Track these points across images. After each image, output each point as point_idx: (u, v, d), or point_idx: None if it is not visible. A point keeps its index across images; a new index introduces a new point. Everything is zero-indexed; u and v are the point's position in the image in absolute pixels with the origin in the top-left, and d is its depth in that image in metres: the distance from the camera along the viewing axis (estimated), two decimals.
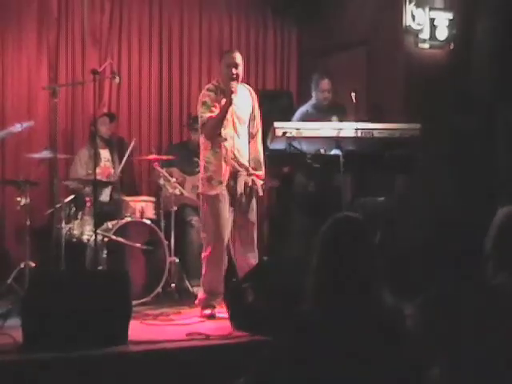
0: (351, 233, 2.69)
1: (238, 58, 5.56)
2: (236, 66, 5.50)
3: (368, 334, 2.56)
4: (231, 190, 5.50)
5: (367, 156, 6.14)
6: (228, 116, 5.46)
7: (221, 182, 5.44)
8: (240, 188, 5.53)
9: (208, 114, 5.44)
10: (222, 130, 5.45)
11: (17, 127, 5.94)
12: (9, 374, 3.93)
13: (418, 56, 7.08)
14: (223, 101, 5.45)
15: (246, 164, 5.59)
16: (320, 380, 2.53)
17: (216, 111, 5.43)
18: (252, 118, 5.70)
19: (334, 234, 2.70)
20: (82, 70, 7.42)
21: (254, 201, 5.66)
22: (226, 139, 5.47)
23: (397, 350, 2.59)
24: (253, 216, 5.64)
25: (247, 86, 5.85)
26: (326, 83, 6.78)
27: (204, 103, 5.49)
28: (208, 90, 5.57)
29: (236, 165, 5.52)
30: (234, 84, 5.41)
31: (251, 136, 5.68)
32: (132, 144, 6.82)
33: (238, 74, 5.50)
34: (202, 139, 5.60)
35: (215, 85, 5.58)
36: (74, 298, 4.33)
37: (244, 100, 5.64)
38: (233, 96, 5.36)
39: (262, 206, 7.65)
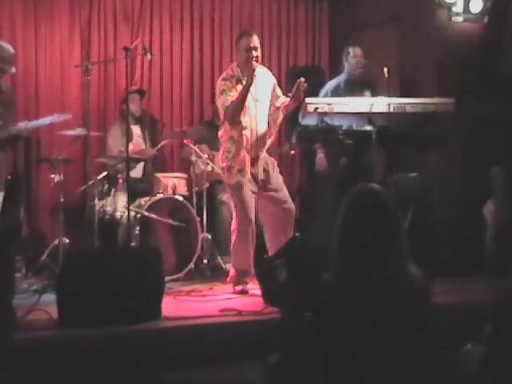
0: (372, 204, 2.71)
1: (256, 40, 5.47)
2: (255, 48, 5.43)
3: (390, 305, 2.57)
4: (254, 175, 5.49)
5: (400, 132, 6.09)
6: (247, 102, 5.42)
7: (241, 170, 5.42)
8: (260, 173, 5.52)
9: (229, 101, 5.40)
10: (242, 117, 5.42)
11: (55, 117, 5.99)
12: (44, 349, 3.98)
13: (451, 30, 6.98)
14: (239, 87, 5.41)
15: (265, 147, 5.58)
16: (346, 352, 2.55)
17: (235, 95, 5.39)
18: (275, 96, 5.63)
19: (354, 204, 2.73)
20: (114, 47, 7.45)
21: (279, 179, 5.64)
22: (246, 127, 5.45)
23: (420, 322, 2.61)
24: (281, 195, 5.61)
25: (265, 68, 5.80)
26: (357, 49, 6.71)
27: (223, 91, 5.44)
28: (223, 79, 5.51)
29: (257, 150, 5.50)
30: (254, 63, 5.36)
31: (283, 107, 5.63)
32: (178, 130, 6.82)
33: (257, 57, 5.45)
34: (220, 132, 5.60)
35: (230, 74, 5.52)
36: (108, 275, 4.36)
37: (264, 82, 5.59)
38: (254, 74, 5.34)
39: (293, 184, 7.66)
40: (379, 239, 2.64)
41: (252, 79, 5.33)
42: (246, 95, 5.38)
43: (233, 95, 5.40)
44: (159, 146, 6.93)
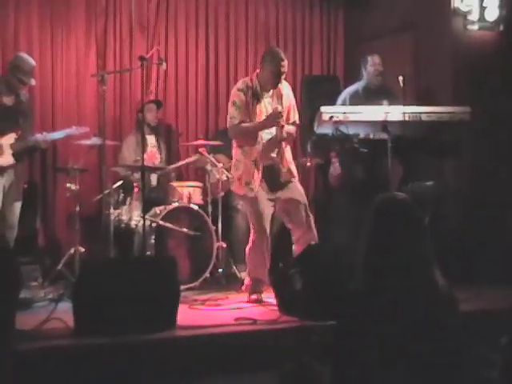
0: (396, 212, 2.69)
1: (286, 65, 5.42)
2: (283, 73, 5.40)
3: (418, 314, 2.55)
4: (268, 182, 5.44)
5: (415, 140, 6.08)
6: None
7: (248, 184, 5.39)
8: (273, 180, 5.47)
9: (238, 119, 5.36)
10: None
11: (72, 130, 6.07)
12: (61, 358, 3.99)
13: (467, 38, 6.95)
14: (260, 121, 5.35)
15: (275, 157, 5.50)
16: (369, 362, 2.54)
17: (245, 112, 5.35)
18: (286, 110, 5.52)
19: (379, 213, 2.71)
20: (129, 57, 7.48)
21: (292, 183, 5.56)
22: (258, 142, 5.41)
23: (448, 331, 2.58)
24: (297, 197, 5.52)
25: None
26: (376, 57, 6.73)
27: (234, 103, 5.41)
28: (238, 89, 5.43)
29: (267, 160, 5.45)
30: (282, 120, 5.31)
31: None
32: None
33: (281, 81, 5.43)
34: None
35: (247, 84, 5.44)
36: (123, 284, 4.37)
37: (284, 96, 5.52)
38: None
39: (309, 191, 7.65)
40: (407, 247, 2.63)
41: (270, 125, 5.33)
42: (258, 133, 5.36)
43: (242, 113, 5.35)
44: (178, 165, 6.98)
